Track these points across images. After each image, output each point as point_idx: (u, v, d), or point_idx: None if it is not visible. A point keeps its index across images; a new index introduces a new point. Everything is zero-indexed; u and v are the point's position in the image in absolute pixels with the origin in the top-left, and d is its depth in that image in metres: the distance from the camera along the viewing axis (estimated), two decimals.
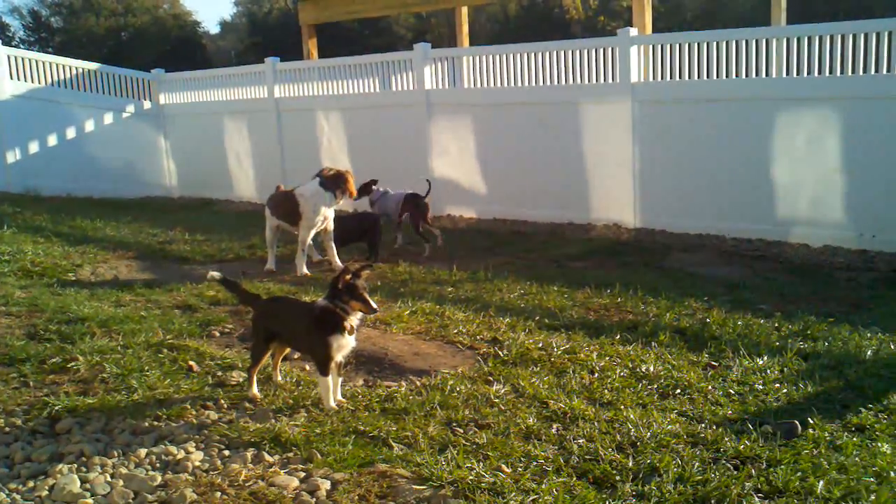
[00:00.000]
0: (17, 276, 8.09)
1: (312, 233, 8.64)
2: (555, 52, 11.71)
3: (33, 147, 16.01)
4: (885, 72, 9.19)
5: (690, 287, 7.75)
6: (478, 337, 6.08)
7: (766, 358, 5.45)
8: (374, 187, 10.18)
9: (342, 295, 4.62)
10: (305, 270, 8.60)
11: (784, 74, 9.88)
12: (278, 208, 8.82)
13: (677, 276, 8.43)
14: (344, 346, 4.65)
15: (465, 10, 18.38)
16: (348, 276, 4.64)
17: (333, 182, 8.56)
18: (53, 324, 6.27)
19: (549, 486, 3.68)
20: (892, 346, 5.71)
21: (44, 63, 16.36)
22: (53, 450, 4.23)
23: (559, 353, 5.60)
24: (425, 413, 4.56)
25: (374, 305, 4.67)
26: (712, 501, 3.56)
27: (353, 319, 4.66)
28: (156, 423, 4.53)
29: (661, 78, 10.73)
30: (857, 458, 3.89)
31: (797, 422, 4.29)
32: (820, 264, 8.98)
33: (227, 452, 4.19)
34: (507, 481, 3.71)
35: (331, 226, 8.70)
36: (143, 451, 4.17)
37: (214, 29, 60.77)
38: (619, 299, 7.20)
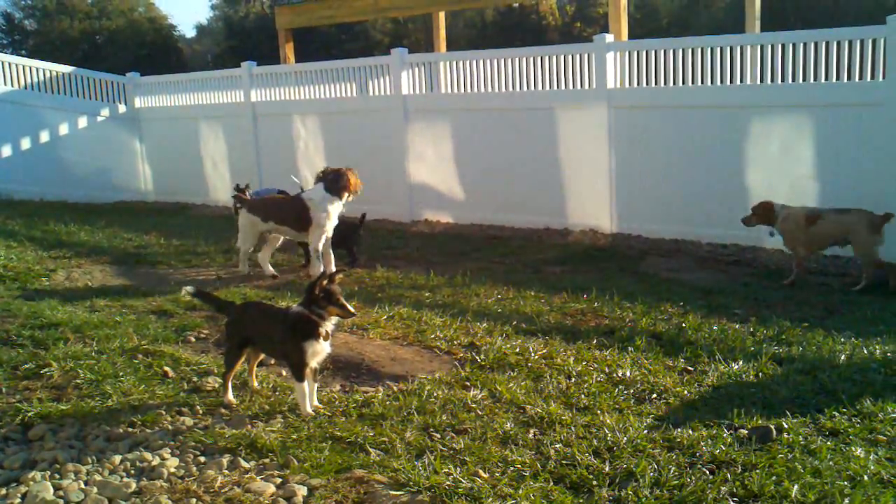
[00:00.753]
0: None
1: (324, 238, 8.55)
2: (531, 58, 11.76)
3: (6, 150, 15.85)
4: (857, 79, 9.31)
5: (666, 292, 7.80)
6: (455, 342, 6.07)
7: (741, 363, 5.48)
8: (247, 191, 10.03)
9: (319, 300, 4.61)
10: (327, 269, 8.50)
11: (758, 81, 9.98)
12: (279, 214, 8.58)
13: (653, 282, 8.48)
14: (319, 351, 4.64)
15: (442, 15, 18.43)
16: (325, 282, 4.62)
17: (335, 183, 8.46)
18: (26, 329, 6.20)
19: (526, 491, 3.68)
20: (865, 351, 5.76)
21: (17, 66, 16.21)
22: (26, 457, 4.18)
23: (536, 358, 5.61)
24: (402, 418, 4.55)
25: (352, 309, 4.68)
26: None
27: (328, 325, 4.65)
28: (130, 429, 4.49)
29: (637, 84, 10.80)
30: (831, 462, 3.92)
31: (772, 426, 4.32)
32: (794, 269, 9.05)
33: (202, 459, 4.16)
34: (484, 487, 3.71)
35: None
36: (117, 458, 4.13)
37: (190, 32, 60.62)
38: (595, 304, 7.23)
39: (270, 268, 8.82)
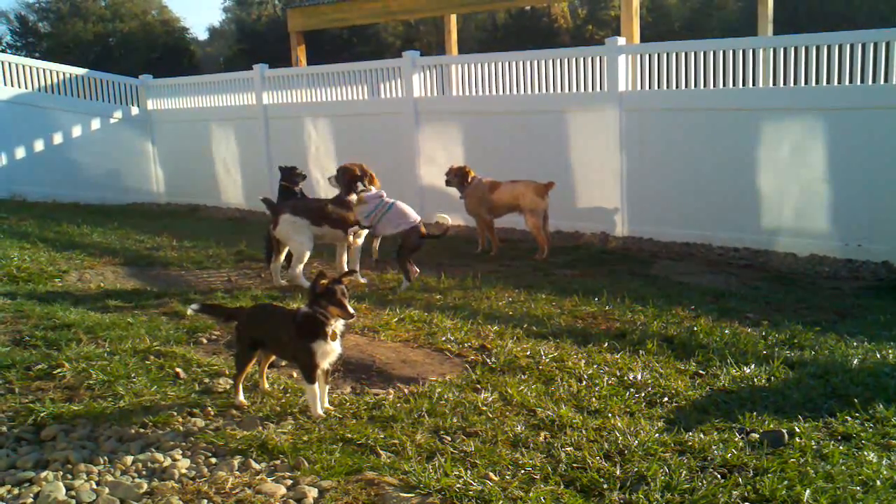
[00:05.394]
0: (2, 282, 8.03)
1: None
2: (543, 61, 11.76)
3: (20, 152, 15.95)
4: (869, 82, 9.28)
5: (678, 295, 7.77)
6: (466, 344, 6.07)
7: (753, 366, 5.46)
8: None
9: (320, 300, 4.60)
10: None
11: (770, 84, 9.95)
12: (333, 218, 8.21)
13: (664, 285, 8.45)
14: (328, 352, 4.63)
15: (453, 18, 18.45)
16: (324, 282, 4.62)
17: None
18: (39, 330, 6.22)
19: (537, 494, 3.68)
20: (878, 355, 5.74)
21: (31, 68, 16.31)
22: (38, 457, 4.19)
23: (547, 360, 5.60)
24: (413, 421, 4.55)
25: (351, 310, 4.64)
26: None
27: (336, 325, 4.64)
28: (142, 430, 4.50)
29: (649, 87, 10.78)
30: (843, 467, 3.91)
31: (784, 430, 4.31)
32: (806, 273, 9.03)
33: (213, 460, 4.17)
34: (494, 489, 3.71)
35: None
36: (129, 459, 4.14)
37: (203, 35, 60.75)
38: (606, 307, 7.22)
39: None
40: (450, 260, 9.83)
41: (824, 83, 9.54)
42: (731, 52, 10.10)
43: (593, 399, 4.88)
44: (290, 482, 3.89)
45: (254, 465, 4.07)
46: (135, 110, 17.37)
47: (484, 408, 4.73)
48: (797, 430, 4.34)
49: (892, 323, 6.80)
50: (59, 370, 5.32)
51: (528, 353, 5.78)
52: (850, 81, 9.41)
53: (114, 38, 40.94)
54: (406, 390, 5.11)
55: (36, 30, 43.07)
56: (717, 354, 5.74)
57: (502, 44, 32.23)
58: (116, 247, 10.56)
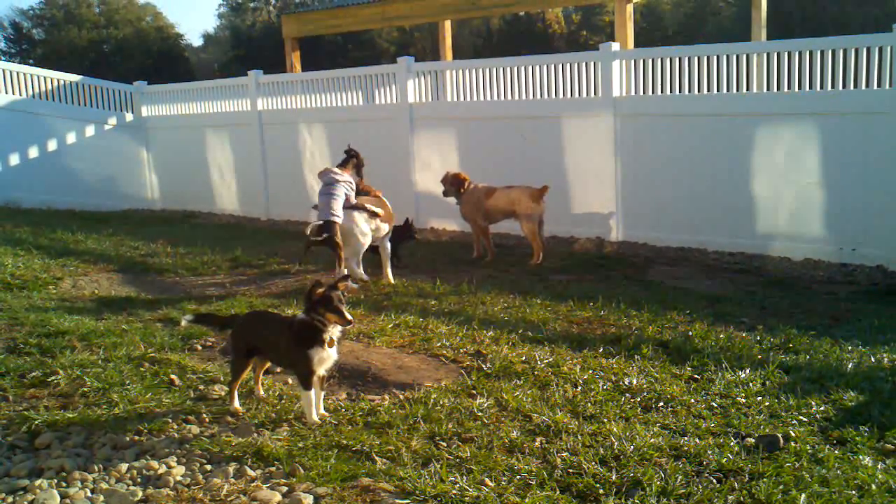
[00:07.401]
0: None
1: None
2: (537, 67, 11.77)
3: (14, 159, 15.94)
4: (863, 87, 9.29)
5: (673, 300, 7.77)
6: (461, 350, 6.06)
7: (748, 371, 5.46)
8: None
9: (317, 307, 4.60)
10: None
11: (764, 89, 9.97)
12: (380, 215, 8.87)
13: (659, 290, 8.45)
14: (325, 359, 4.62)
15: (448, 24, 18.48)
16: (321, 289, 4.61)
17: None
18: (33, 337, 6.21)
19: (533, 499, 3.68)
20: (873, 359, 5.74)
21: (25, 75, 16.30)
22: (33, 465, 4.19)
23: (542, 366, 5.60)
24: (408, 427, 4.54)
25: (349, 317, 4.63)
26: None
27: (333, 332, 4.63)
28: (137, 437, 4.49)
29: (643, 92, 10.80)
30: (838, 471, 3.91)
31: (779, 435, 4.31)
32: (800, 278, 9.04)
33: (208, 467, 4.16)
34: (490, 495, 3.71)
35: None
36: (123, 466, 4.13)
37: (197, 41, 60.73)
38: (601, 312, 7.21)
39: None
40: (445, 265, 9.83)
41: (818, 88, 9.55)
42: (724, 57, 10.12)
43: (589, 404, 4.88)
44: (285, 489, 3.88)
45: (249, 471, 4.07)
46: (129, 117, 17.36)
47: (479, 413, 4.73)
48: (792, 434, 4.35)
49: (886, 327, 6.80)
50: (53, 378, 5.31)
51: (524, 358, 5.77)
52: (844, 87, 9.43)
53: (108, 45, 40.97)
54: (401, 396, 5.10)
55: (30, 37, 43.09)
56: (712, 359, 5.74)
57: (497, 49, 32.33)
58: (111, 253, 10.54)
